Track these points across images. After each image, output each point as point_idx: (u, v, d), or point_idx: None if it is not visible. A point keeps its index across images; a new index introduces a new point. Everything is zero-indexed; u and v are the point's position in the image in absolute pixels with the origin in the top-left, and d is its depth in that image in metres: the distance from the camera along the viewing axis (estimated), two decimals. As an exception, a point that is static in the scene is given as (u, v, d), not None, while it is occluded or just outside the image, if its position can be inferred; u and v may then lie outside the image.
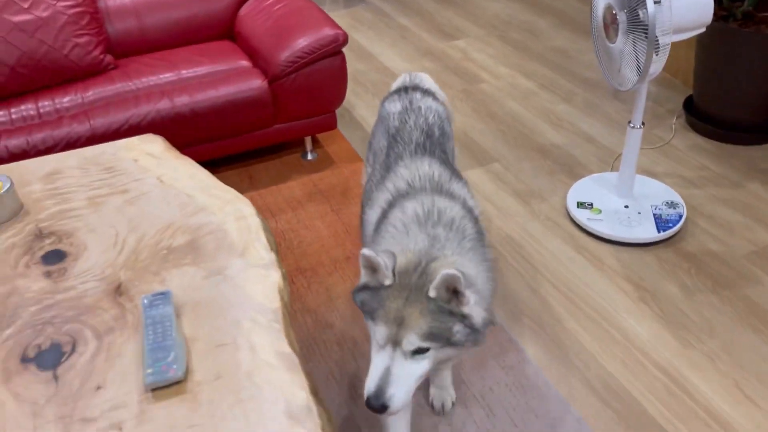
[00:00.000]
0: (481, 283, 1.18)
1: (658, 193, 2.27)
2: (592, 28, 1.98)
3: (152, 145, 1.81)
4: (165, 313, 1.20)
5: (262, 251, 1.44)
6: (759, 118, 2.56)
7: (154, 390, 1.09)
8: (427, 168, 1.39)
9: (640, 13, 1.75)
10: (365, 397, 1.06)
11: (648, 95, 2.99)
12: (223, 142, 2.42)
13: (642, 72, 1.80)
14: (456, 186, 1.38)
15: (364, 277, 1.14)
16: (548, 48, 3.53)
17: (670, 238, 2.13)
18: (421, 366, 1.06)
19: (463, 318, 1.07)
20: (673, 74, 3.13)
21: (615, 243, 2.12)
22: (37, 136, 2.12)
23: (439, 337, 1.05)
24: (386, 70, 3.39)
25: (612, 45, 1.89)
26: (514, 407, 1.62)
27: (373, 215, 1.41)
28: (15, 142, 2.09)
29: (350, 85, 3.23)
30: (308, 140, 2.67)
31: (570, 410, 1.60)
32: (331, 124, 2.55)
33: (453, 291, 1.06)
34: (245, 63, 2.49)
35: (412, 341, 1.04)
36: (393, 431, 1.45)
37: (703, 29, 1.84)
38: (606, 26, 1.88)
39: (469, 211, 1.31)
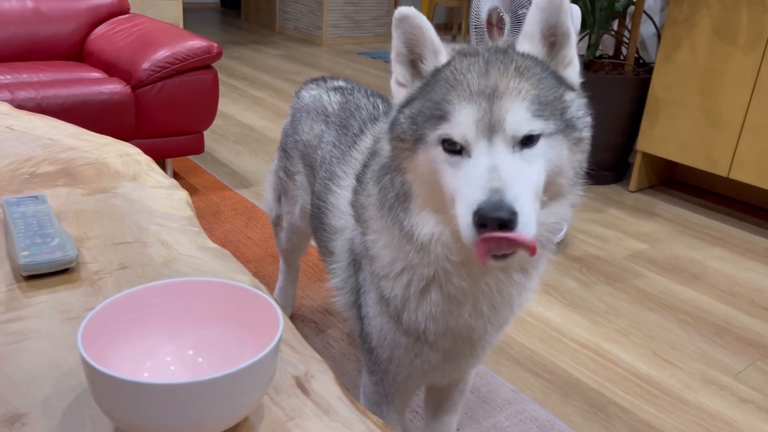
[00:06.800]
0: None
1: (535, 211, 2.33)
2: (471, 27, 2.06)
3: (-2, 105, 1.49)
4: (40, 210, 0.92)
5: (159, 177, 1.19)
6: (607, 162, 2.79)
7: (30, 278, 0.79)
8: None
9: (525, 12, 1.86)
10: (472, 214, 0.61)
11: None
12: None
13: (528, 66, 1.89)
14: None
15: (398, 88, 0.76)
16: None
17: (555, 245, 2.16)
18: (534, 169, 0.66)
19: (571, 88, 0.72)
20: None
21: (506, 250, 2.10)
22: None
23: (551, 109, 0.68)
24: (245, 125, 3.27)
25: (496, 47, 1.98)
26: (445, 385, 1.42)
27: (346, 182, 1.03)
28: None
29: (210, 136, 3.05)
30: (170, 166, 2.40)
31: (503, 383, 1.44)
32: (199, 147, 2.33)
33: (550, 42, 0.73)
34: (97, 74, 2.23)
35: (518, 117, 0.65)
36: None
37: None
38: (489, 25, 1.98)
39: None
